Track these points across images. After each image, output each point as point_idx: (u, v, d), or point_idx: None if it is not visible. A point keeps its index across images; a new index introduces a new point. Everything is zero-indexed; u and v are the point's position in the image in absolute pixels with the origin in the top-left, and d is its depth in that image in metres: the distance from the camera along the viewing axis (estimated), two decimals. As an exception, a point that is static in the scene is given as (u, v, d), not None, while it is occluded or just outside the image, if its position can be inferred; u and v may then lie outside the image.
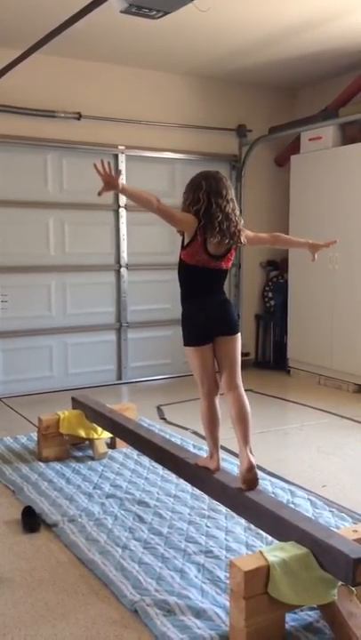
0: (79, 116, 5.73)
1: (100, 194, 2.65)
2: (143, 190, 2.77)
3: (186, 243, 2.84)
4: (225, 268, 2.91)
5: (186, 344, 2.91)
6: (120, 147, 5.98)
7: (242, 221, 2.92)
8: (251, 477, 2.67)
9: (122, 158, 6.02)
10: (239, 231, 2.86)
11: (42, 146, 5.66)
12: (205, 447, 4.16)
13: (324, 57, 5.72)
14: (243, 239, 2.90)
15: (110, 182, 2.61)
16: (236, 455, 4.06)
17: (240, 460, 2.76)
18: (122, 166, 6.02)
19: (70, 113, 5.70)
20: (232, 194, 2.87)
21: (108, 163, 2.64)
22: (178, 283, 2.96)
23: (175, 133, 6.25)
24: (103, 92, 5.87)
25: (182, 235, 2.87)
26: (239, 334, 2.92)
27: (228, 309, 2.92)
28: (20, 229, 5.65)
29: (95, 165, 2.62)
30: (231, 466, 3.83)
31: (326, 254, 5.93)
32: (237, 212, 2.87)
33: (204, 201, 2.78)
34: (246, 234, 2.95)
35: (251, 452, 2.73)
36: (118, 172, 2.57)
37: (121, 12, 3.73)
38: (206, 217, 2.78)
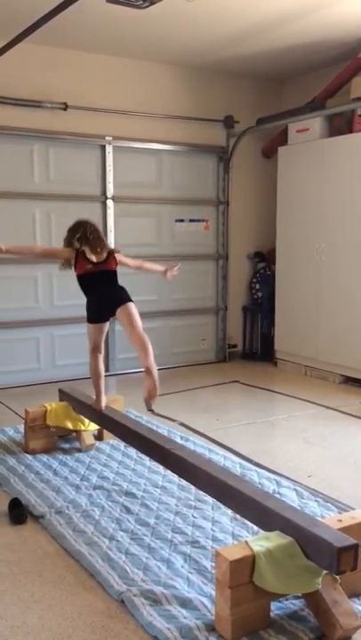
0: (65, 107, 5.68)
1: None
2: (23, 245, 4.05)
3: (73, 264, 3.74)
4: (110, 269, 3.74)
5: (87, 321, 3.82)
6: (107, 137, 5.95)
7: (110, 245, 3.84)
8: (149, 382, 3.46)
9: (109, 149, 5.99)
10: (104, 247, 3.80)
11: (28, 136, 5.61)
12: (192, 438, 4.22)
13: (311, 48, 5.71)
14: (109, 253, 3.80)
15: None
16: (222, 446, 4.09)
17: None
18: (109, 157, 6.00)
19: (57, 103, 5.66)
20: (99, 230, 3.89)
21: None
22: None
23: (163, 124, 6.23)
24: (90, 82, 5.83)
25: (68, 263, 3.76)
26: (131, 303, 3.68)
27: (116, 293, 3.71)
28: (5, 220, 5.61)
29: None
30: (218, 457, 3.86)
31: (313, 246, 5.96)
32: (104, 239, 3.89)
33: (80, 239, 3.76)
34: (118, 257, 3.81)
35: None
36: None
37: (107, 1, 3.71)
38: (84, 244, 3.73)
